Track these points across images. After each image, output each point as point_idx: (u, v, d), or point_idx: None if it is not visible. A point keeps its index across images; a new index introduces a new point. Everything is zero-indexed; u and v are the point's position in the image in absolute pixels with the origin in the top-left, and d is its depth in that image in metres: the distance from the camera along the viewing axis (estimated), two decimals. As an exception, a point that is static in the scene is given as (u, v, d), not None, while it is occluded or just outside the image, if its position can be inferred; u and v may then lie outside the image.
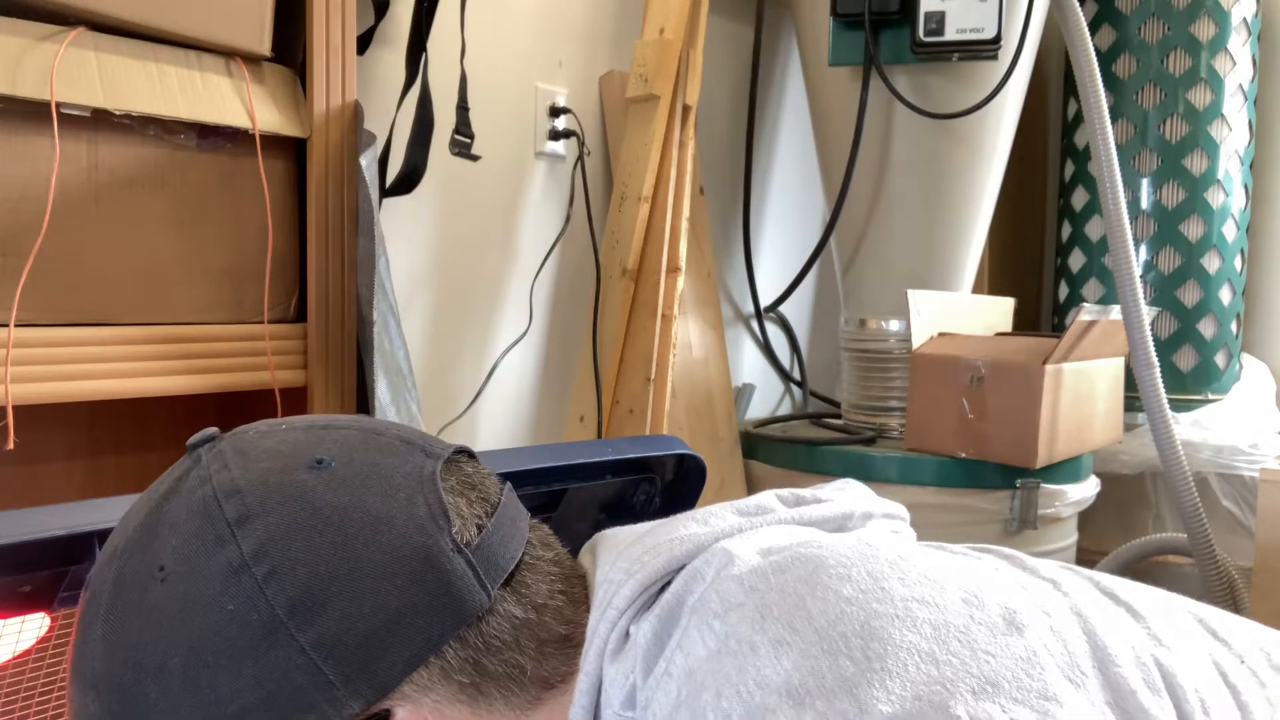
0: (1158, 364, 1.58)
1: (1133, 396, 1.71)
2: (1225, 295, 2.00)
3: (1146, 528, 1.97)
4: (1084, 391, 1.58)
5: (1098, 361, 1.62)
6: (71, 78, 0.93)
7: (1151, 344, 1.57)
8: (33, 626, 0.67)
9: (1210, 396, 2.00)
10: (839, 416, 1.87)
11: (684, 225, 1.59)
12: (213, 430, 0.55)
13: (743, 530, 0.55)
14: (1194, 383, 2.01)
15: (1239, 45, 1.97)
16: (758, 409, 2.07)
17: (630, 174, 1.58)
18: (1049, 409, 1.48)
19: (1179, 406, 1.86)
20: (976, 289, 1.88)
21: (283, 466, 0.51)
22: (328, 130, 1.11)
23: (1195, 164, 1.97)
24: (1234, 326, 2.03)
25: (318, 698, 0.48)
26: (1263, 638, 0.54)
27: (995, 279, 2.19)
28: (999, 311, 1.83)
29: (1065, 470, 1.61)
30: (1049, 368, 1.46)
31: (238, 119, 1.04)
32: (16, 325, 0.92)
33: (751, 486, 1.76)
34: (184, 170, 1.03)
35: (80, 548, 0.58)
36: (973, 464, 1.54)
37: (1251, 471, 1.83)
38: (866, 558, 0.49)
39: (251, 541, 0.48)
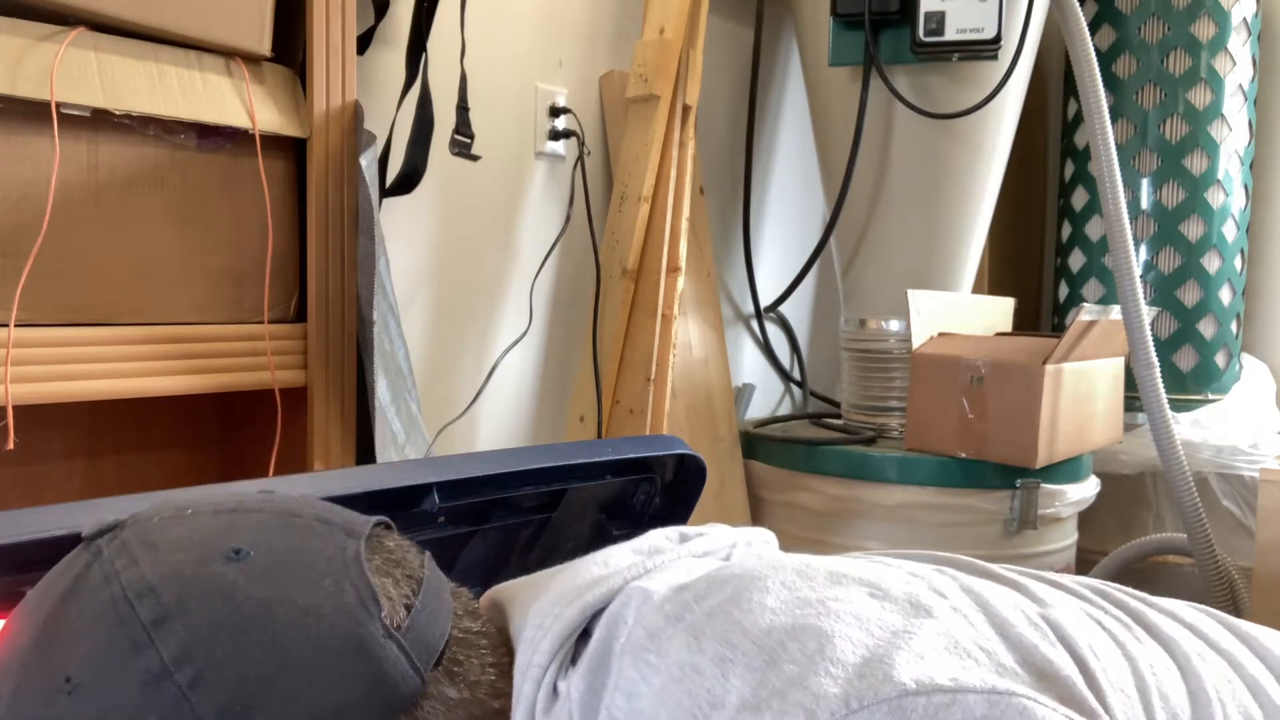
0: (1158, 364, 1.58)
1: (1133, 396, 1.70)
2: (1225, 295, 2.00)
3: (1146, 528, 1.97)
4: (1084, 391, 1.58)
5: (1098, 361, 1.62)
6: (71, 78, 0.93)
7: (1151, 344, 1.57)
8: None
9: (1210, 396, 2.00)
10: (839, 416, 1.87)
11: (684, 225, 1.59)
12: (111, 519, 0.50)
13: (649, 570, 0.56)
14: (1194, 383, 2.01)
15: (1239, 45, 1.97)
16: (758, 409, 2.07)
17: (630, 174, 1.58)
18: (1049, 409, 1.48)
19: (1179, 406, 1.86)
20: (976, 289, 1.88)
21: (198, 559, 0.47)
22: (328, 130, 1.11)
23: (1195, 164, 1.97)
24: (1234, 326, 2.03)
25: None
26: (1086, 580, 0.61)
27: (995, 279, 2.19)
28: (999, 311, 1.83)
29: (1065, 470, 1.61)
30: (1049, 368, 1.46)
31: (238, 119, 1.04)
32: (16, 325, 0.92)
33: (751, 486, 1.76)
34: (184, 170, 1.03)
35: (80, 548, 0.58)
36: (973, 464, 1.54)
37: (1251, 471, 1.83)
38: (775, 569, 0.52)
39: (172, 645, 0.44)
